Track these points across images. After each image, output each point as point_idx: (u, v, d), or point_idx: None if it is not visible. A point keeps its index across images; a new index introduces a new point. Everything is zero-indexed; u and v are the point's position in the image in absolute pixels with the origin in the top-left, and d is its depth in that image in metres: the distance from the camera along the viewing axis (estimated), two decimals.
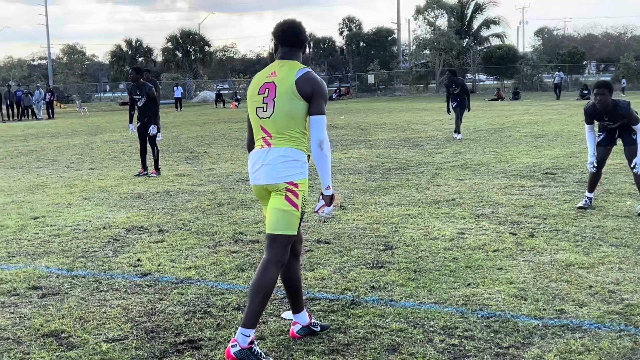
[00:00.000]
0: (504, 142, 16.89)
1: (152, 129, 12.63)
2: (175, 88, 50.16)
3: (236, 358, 3.94)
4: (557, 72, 45.17)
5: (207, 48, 79.07)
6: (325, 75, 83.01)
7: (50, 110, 41.40)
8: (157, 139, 12.81)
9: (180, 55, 77.00)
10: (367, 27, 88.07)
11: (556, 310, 4.87)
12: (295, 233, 4.19)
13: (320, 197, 4.26)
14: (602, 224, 7.51)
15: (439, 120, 26.01)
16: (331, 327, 4.61)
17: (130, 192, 10.55)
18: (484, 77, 68.15)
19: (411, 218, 8.11)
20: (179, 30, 78.80)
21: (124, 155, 16.60)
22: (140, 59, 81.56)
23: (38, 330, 4.57)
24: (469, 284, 5.49)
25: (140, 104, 12.62)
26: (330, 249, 6.73)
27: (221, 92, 60.93)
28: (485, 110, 32.45)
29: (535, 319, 4.71)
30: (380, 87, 67.70)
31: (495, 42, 67.32)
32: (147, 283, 5.69)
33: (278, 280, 4.17)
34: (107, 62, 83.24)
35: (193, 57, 77.73)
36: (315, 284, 5.59)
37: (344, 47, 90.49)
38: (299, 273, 4.47)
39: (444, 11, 66.43)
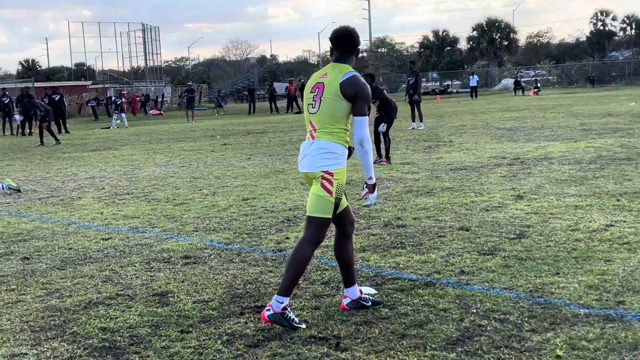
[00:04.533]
0: None
1: (382, 127, 13.71)
2: (470, 77, 50.64)
3: (269, 321, 4.66)
4: None
5: (512, 35, 77.94)
6: None
7: None
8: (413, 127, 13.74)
9: (485, 43, 76.93)
10: None
11: (616, 301, 4.86)
12: (330, 216, 4.78)
13: (365, 186, 4.89)
14: None
15: None
16: (383, 303, 5.12)
17: None
18: None
19: (576, 209, 8.04)
20: (485, 18, 78.83)
21: None
22: (447, 49, 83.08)
23: (155, 290, 5.71)
24: (557, 273, 5.59)
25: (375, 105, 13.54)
26: (461, 235, 7.08)
27: (521, 79, 60.04)
28: None
29: (584, 307, 4.78)
30: None
31: None
32: (273, 257, 6.61)
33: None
34: (413, 53, 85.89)
35: (498, 45, 77.20)
36: (412, 266, 6.07)
37: None
38: (350, 252, 5.03)
39: None
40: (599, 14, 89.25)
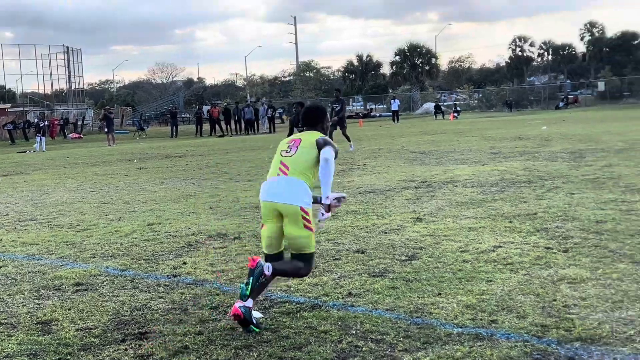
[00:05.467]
0: None
1: None
2: (392, 101, 51.60)
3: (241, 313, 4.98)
4: None
5: (433, 60, 79.82)
6: (565, 81, 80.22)
7: (272, 125, 44.57)
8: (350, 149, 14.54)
9: (407, 68, 78.51)
10: (613, 31, 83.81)
11: (489, 320, 5.06)
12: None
13: (321, 205, 5.43)
14: None
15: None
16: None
17: (251, 203, 11.62)
18: None
19: (469, 231, 8.31)
20: (406, 43, 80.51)
21: None
22: (369, 74, 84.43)
23: (39, 318, 5.64)
24: (439, 294, 5.77)
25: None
26: (356, 258, 7.23)
27: (442, 103, 61.47)
28: None
29: (458, 327, 4.96)
30: (626, 93, 64.20)
31: None
32: (166, 283, 6.62)
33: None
34: (339, 77, 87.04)
35: (420, 70, 78.89)
36: (302, 289, 6.17)
37: (586, 53, 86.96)
38: (275, 276, 5.33)
39: None
40: (517, 40, 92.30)
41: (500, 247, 7.39)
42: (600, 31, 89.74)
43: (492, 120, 42.71)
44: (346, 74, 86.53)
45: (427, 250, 7.43)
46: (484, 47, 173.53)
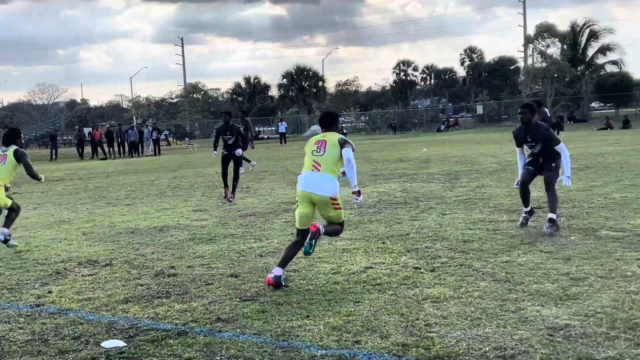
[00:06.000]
0: None
1: (238, 151, 15.16)
2: (279, 123, 51.81)
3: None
4: None
5: (320, 83, 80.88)
6: (447, 104, 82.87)
7: (157, 147, 43.85)
8: (239, 172, 15.14)
9: (295, 91, 79.23)
10: (491, 56, 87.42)
11: (354, 341, 5.13)
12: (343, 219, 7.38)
13: (352, 192, 7.19)
14: (515, 259, 7.54)
15: (512, 151, 25.65)
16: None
17: (127, 228, 11.37)
18: (596, 105, 65.90)
19: (343, 252, 8.42)
20: (293, 66, 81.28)
21: (173, 190, 17.62)
22: (258, 96, 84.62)
23: None
24: (308, 316, 5.81)
25: (230, 142, 15.03)
26: (229, 282, 7.19)
27: None
28: (577, 141, 31.57)
29: (322, 348, 5.01)
30: (504, 117, 66.98)
31: (611, 69, 65.08)
32: (28, 313, 6.36)
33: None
34: (228, 99, 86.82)
35: (307, 93, 79.76)
36: (170, 315, 6.08)
37: (466, 78, 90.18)
38: (299, 250, 7.05)
39: (556, 39, 64.89)
40: (401, 65, 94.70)
41: (371, 267, 7.53)
42: (479, 56, 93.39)
43: (377, 143, 43.63)
44: (234, 96, 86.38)
45: (301, 272, 7.48)
46: (371, 70, 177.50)
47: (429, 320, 5.52)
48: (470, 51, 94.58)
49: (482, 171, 18.39)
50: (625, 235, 8.55)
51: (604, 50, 64.78)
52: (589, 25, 65.42)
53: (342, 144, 7.10)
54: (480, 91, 74.90)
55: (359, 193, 7.23)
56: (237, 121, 23.28)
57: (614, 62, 65.18)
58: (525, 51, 69.51)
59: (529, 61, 68.32)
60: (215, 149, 15.94)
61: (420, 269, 7.37)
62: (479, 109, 67.18)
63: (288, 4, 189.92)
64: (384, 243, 8.93)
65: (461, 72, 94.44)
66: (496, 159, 22.64)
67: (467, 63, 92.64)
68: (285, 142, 48.87)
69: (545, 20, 66.06)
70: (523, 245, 8.31)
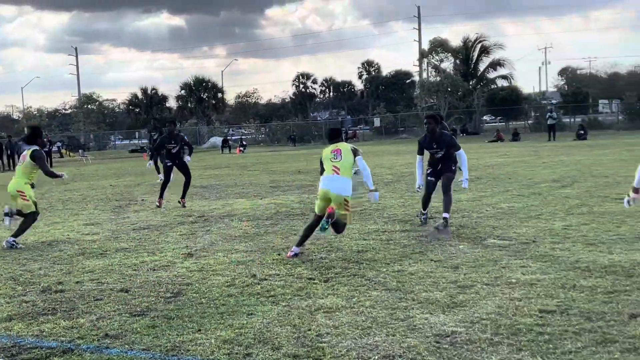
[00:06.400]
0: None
1: (187, 158, 15.92)
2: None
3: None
4: (549, 113, 44.98)
5: (220, 94, 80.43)
6: (346, 116, 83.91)
7: (49, 159, 42.40)
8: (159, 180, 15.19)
9: (194, 102, 78.46)
10: (388, 70, 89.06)
11: (245, 354, 5.10)
12: (347, 221, 8.85)
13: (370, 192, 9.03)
14: (406, 268, 7.69)
15: (412, 162, 26.23)
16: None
17: None
18: (487, 118, 68.25)
19: (238, 265, 8.36)
20: (192, 77, 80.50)
21: (64, 203, 17.07)
22: (155, 107, 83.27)
23: None
24: (199, 330, 5.74)
25: (174, 151, 15.29)
26: (119, 297, 7.02)
27: (230, 138, 62.03)
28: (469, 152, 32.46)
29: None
30: (400, 129, 68.30)
31: (502, 83, 67.60)
32: None
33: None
34: (124, 110, 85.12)
35: (206, 104, 79.12)
36: (56, 333, 5.87)
37: (364, 91, 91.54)
38: (314, 229, 8.73)
39: (449, 54, 66.88)
40: (300, 77, 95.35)
41: (265, 279, 7.52)
42: (377, 70, 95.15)
43: (277, 155, 43.69)
44: (131, 107, 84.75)
45: (194, 286, 7.38)
46: (271, 82, 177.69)
47: (320, 331, 5.55)
48: (368, 65, 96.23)
49: (377, 182, 18.66)
50: (511, 244, 8.87)
51: (494, 65, 67.16)
52: (480, 41, 67.74)
53: (355, 152, 8.88)
54: (377, 104, 76.25)
55: (375, 190, 9.05)
56: (150, 129, 23.03)
57: (504, 77, 67.64)
58: (420, 65, 71.31)
59: (424, 75, 70.12)
60: (151, 159, 16.23)
61: (314, 279, 7.41)
62: (377, 122, 68.36)
63: (187, 14, 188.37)
64: (279, 255, 8.93)
65: (359, 85, 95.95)
66: (392, 170, 23.07)
67: (364, 76, 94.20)
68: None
69: (439, 36, 68.19)
70: (414, 254, 8.49)
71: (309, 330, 5.60)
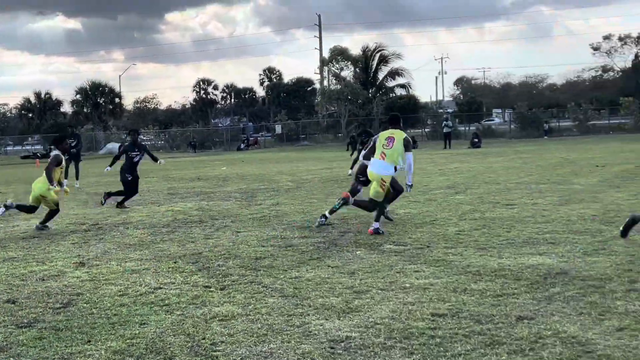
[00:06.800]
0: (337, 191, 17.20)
1: (162, 161, 16.73)
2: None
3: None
4: (445, 122, 46.29)
5: (117, 100, 78.67)
6: (247, 123, 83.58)
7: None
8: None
9: (89, 107, 76.43)
10: (289, 77, 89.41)
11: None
12: (381, 199, 10.29)
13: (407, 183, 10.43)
14: (303, 275, 7.70)
15: (312, 169, 26.38)
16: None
17: None
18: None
19: (132, 273, 8.17)
20: (88, 82, 78.41)
21: None
22: (49, 112, 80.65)
23: None
24: (89, 341, 5.56)
25: (136, 159, 15.56)
26: (5, 309, 6.72)
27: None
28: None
29: None
30: (302, 136, 68.60)
31: (400, 92, 69.09)
32: None
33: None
34: (16, 115, 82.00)
35: (103, 109, 77.22)
36: None
37: (265, 98, 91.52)
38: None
39: (349, 63, 67.77)
40: (201, 83, 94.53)
41: (160, 288, 7.37)
42: (278, 77, 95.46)
43: (176, 161, 43.09)
44: (23, 112, 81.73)
45: (85, 296, 7.16)
46: (171, 88, 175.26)
47: (215, 339, 5.48)
48: (270, 72, 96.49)
49: (278, 189, 18.70)
50: (406, 249, 9.03)
51: (393, 74, 68.60)
52: (379, 50, 69.03)
53: (407, 145, 10.08)
54: (279, 111, 76.43)
55: (410, 186, 10.40)
56: (67, 134, 22.19)
57: (403, 86, 69.19)
58: (321, 73, 71.93)
59: (325, 83, 70.75)
60: (111, 165, 15.98)
61: (210, 287, 7.32)
62: (278, 129, 68.48)
63: (83, 17, 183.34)
64: (175, 262, 8.78)
65: (261, 92, 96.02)
66: (293, 177, 23.14)
67: (266, 83, 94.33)
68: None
69: (340, 44, 68.93)
70: (312, 260, 8.53)
71: (203, 339, 5.52)
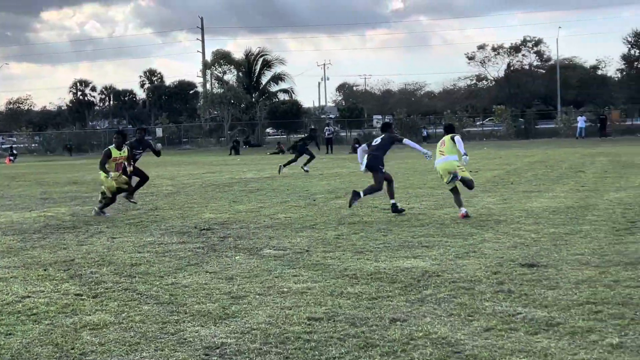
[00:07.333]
0: (198, 195, 17.05)
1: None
2: None
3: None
4: (327, 127, 46.88)
5: None
6: (127, 126, 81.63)
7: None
8: None
9: None
10: (171, 80, 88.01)
11: None
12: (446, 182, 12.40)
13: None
14: (180, 281, 7.57)
15: (194, 173, 26.05)
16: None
17: None
18: (270, 130, 69.69)
19: None
20: None
21: None
22: None
23: None
24: None
25: (138, 157, 15.53)
26: None
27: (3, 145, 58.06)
28: (252, 164, 32.90)
29: None
30: (184, 140, 67.57)
31: (283, 97, 69.38)
32: None
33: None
34: None
35: None
36: None
37: (146, 100, 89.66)
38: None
39: (232, 67, 67.46)
40: (78, 84, 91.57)
41: (28, 297, 7.06)
42: (159, 79, 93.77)
43: (51, 165, 41.54)
44: None
45: None
46: (46, 89, 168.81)
47: (85, 349, 5.30)
48: (151, 74, 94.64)
49: (157, 194, 18.35)
50: (286, 254, 9.05)
51: (276, 79, 68.85)
52: (263, 55, 69.09)
53: (453, 138, 12.25)
54: (160, 114, 75.05)
55: (465, 155, 12.20)
56: None
57: (286, 91, 69.56)
58: (203, 76, 71.19)
59: (207, 86, 70.08)
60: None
61: (82, 295, 7.08)
62: (159, 132, 67.27)
63: None
64: (45, 270, 8.44)
65: (142, 94, 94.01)
66: (173, 181, 22.78)
67: (147, 85, 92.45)
68: None
69: (223, 48, 68.52)
70: (189, 266, 8.40)
71: (72, 349, 5.32)
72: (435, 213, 12.57)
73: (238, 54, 70.82)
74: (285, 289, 7.08)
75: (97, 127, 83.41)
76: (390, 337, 5.39)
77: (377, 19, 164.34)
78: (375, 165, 12.67)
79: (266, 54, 69.13)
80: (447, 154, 12.17)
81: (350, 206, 12.83)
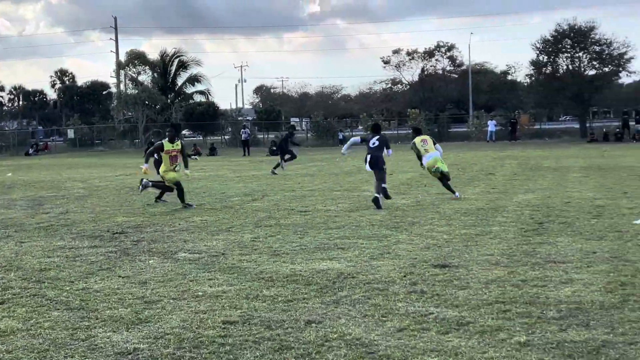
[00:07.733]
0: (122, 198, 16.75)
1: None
2: None
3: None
4: (243, 129, 46.69)
5: None
6: (37, 127, 79.20)
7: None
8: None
9: None
10: (83, 80, 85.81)
11: None
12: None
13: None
14: (91, 286, 7.40)
15: (107, 176, 25.48)
16: None
17: None
18: (187, 132, 68.77)
19: None
20: None
21: None
22: None
23: None
24: None
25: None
26: None
27: None
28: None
29: None
30: (97, 142, 65.97)
31: (200, 98, 68.68)
32: None
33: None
34: None
35: None
36: None
37: (57, 100, 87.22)
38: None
39: (147, 67, 66.31)
40: None
41: None
42: (71, 79, 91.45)
43: None
44: None
45: None
46: None
47: None
48: (62, 73, 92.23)
49: (69, 197, 17.88)
50: (201, 257, 8.97)
51: (192, 80, 67.98)
52: (178, 56, 68.12)
53: (434, 140, 15.37)
54: (72, 115, 73.11)
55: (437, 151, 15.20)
56: None
57: (202, 92, 68.82)
58: (117, 77, 69.71)
59: (121, 87, 68.68)
60: (146, 162, 15.63)
61: None
62: (71, 133, 65.51)
63: None
64: None
65: (52, 94, 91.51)
66: (85, 184, 22.24)
67: (58, 85, 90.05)
68: None
69: (138, 48, 67.25)
70: (101, 271, 8.23)
71: None
72: (351, 215, 12.69)
73: (153, 55, 69.83)
74: (200, 293, 7.02)
75: (6, 128, 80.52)
76: (306, 339, 5.41)
77: (294, 22, 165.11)
78: (378, 164, 13.97)
79: (182, 55, 68.26)
80: (431, 151, 14.82)
81: (380, 208, 13.35)
